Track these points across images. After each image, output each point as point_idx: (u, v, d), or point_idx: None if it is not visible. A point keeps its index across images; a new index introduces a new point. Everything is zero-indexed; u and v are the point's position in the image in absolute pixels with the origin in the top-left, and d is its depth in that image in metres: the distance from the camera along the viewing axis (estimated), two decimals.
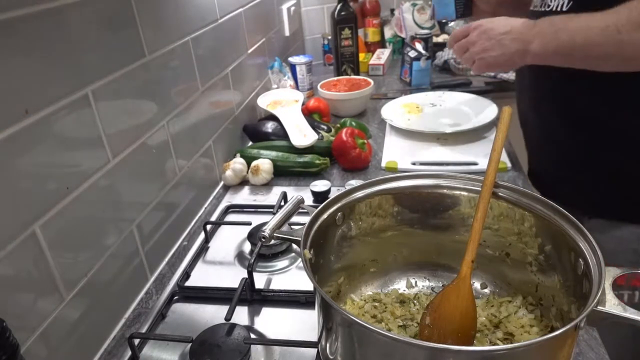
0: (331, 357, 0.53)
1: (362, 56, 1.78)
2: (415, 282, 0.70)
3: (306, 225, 0.58)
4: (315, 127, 1.20)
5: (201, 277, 0.81)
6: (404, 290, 0.69)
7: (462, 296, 0.55)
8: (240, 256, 0.86)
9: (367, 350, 0.47)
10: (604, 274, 0.46)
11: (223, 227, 0.94)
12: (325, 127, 1.23)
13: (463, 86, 1.61)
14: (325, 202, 0.61)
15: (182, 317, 0.73)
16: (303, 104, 1.32)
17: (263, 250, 0.83)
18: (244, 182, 1.10)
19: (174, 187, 0.89)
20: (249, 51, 1.31)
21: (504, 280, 0.66)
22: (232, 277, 0.77)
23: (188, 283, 0.79)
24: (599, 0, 0.70)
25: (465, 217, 0.65)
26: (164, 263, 0.86)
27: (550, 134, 0.92)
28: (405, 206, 0.67)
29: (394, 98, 1.44)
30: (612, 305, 0.44)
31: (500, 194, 0.61)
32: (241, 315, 0.72)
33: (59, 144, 0.60)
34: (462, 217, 0.66)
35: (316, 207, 0.61)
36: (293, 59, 1.58)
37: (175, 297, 0.77)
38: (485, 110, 1.25)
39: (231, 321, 0.67)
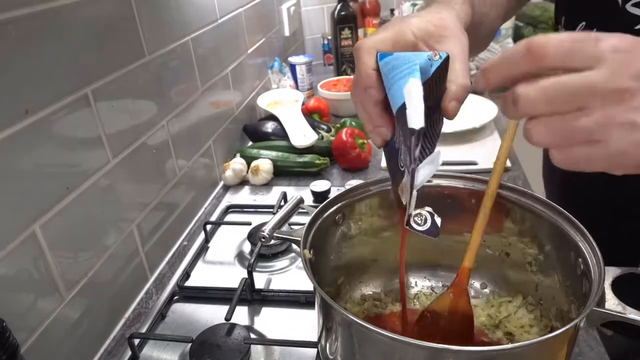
0: (331, 357, 0.53)
1: None
2: (415, 282, 0.70)
3: (306, 225, 0.57)
4: (315, 127, 1.20)
5: (201, 277, 0.81)
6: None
7: (460, 305, 0.55)
8: (240, 256, 0.86)
9: (367, 350, 0.47)
10: (603, 274, 0.46)
11: (223, 227, 0.94)
12: (325, 127, 1.23)
13: None
14: (325, 202, 0.61)
15: (182, 317, 0.73)
16: (303, 104, 1.32)
17: (263, 250, 0.83)
18: (244, 182, 1.10)
19: (174, 187, 0.89)
20: (249, 51, 1.31)
21: (504, 280, 0.66)
22: (232, 277, 0.77)
23: (188, 283, 0.79)
24: None
25: (465, 217, 0.65)
26: (164, 263, 0.86)
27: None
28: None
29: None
30: (612, 305, 0.44)
31: (500, 193, 0.61)
32: (241, 315, 0.72)
33: (59, 144, 0.60)
34: (462, 217, 0.66)
35: (316, 207, 0.60)
36: (293, 59, 1.58)
37: (175, 297, 0.77)
38: (485, 110, 1.25)
39: (231, 321, 0.67)
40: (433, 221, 0.47)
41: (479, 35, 0.62)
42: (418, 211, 0.46)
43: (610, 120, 0.32)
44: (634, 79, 0.31)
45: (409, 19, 0.48)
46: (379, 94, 0.45)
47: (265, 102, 1.33)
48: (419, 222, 0.47)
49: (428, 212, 0.47)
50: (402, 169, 0.45)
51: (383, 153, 0.51)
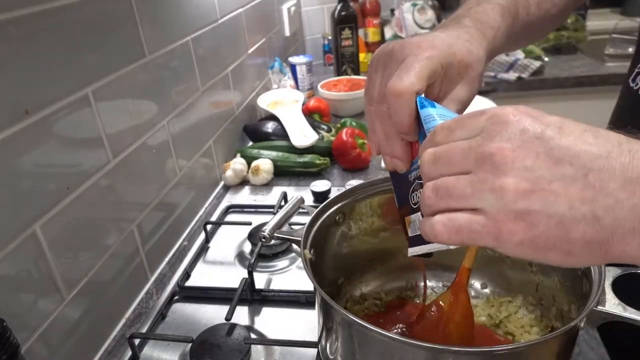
0: (331, 357, 0.53)
1: (362, 56, 1.78)
2: (416, 282, 0.70)
3: (306, 225, 0.58)
4: (315, 127, 1.20)
5: (201, 277, 0.81)
6: (404, 290, 0.69)
7: (460, 306, 0.55)
8: (240, 256, 0.86)
9: (367, 350, 0.47)
10: (603, 274, 0.46)
11: (223, 227, 0.94)
12: (325, 127, 1.23)
13: None
14: (326, 202, 0.61)
15: (182, 317, 0.73)
16: (303, 104, 1.32)
17: (263, 250, 0.83)
18: (244, 182, 1.10)
19: (174, 187, 0.89)
20: (249, 51, 1.31)
21: (504, 280, 0.66)
22: (232, 277, 0.77)
23: (188, 283, 0.79)
24: None
25: None
26: (164, 263, 0.86)
27: None
28: None
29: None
30: (612, 305, 0.44)
31: None
32: (241, 315, 0.72)
33: (59, 144, 0.60)
34: None
35: (316, 207, 0.61)
36: (293, 59, 1.59)
37: (176, 297, 0.77)
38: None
39: (231, 321, 0.67)
40: None
41: (529, 36, 0.61)
42: None
43: (482, 184, 0.31)
44: (506, 141, 0.31)
45: (442, 44, 0.45)
46: (413, 138, 0.44)
47: (265, 102, 1.33)
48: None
49: None
50: (415, 206, 0.44)
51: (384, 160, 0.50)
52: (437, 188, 0.34)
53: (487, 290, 0.67)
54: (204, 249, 0.89)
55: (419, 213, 0.42)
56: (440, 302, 0.56)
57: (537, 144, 0.30)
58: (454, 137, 0.34)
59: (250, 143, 1.26)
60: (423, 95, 0.43)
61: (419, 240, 0.43)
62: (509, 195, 0.30)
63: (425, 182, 0.35)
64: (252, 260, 0.76)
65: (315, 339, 0.59)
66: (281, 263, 0.83)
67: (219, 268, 0.84)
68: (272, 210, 0.96)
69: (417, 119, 0.42)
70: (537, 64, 1.72)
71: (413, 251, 0.45)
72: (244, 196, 1.06)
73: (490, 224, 0.31)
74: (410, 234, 0.45)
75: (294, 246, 0.85)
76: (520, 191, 0.30)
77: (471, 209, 0.32)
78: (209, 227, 0.91)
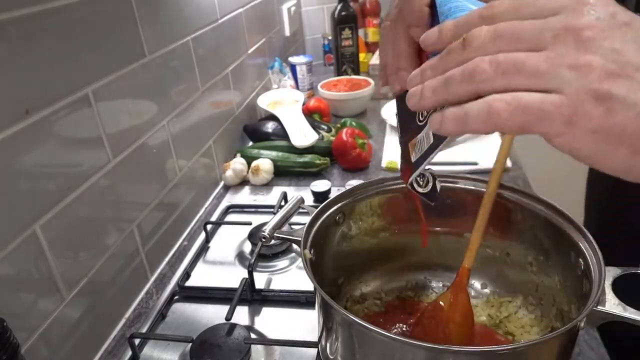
0: (331, 357, 0.53)
1: (362, 56, 1.78)
2: (416, 282, 0.70)
3: (306, 225, 0.58)
4: (315, 127, 1.20)
5: (201, 277, 0.81)
6: (404, 290, 0.69)
7: (460, 306, 0.55)
8: (240, 256, 0.86)
9: (367, 350, 0.47)
10: (604, 274, 0.46)
11: (223, 227, 0.94)
12: (325, 127, 1.23)
13: None
14: (326, 202, 0.61)
15: (182, 317, 0.73)
16: (303, 104, 1.32)
17: (263, 250, 0.83)
18: (244, 182, 1.10)
19: (174, 187, 0.89)
20: (249, 51, 1.31)
21: (504, 280, 0.66)
22: (232, 277, 0.77)
23: (188, 283, 0.79)
24: None
25: (465, 217, 0.65)
26: (164, 263, 0.86)
27: None
28: (405, 206, 0.67)
29: (394, 98, 1.44)
30: (612, 305, 0.44)
31: (500, 194, 0.61)
32: (241, 315, 0.72)
33: (59, 144, 0.60)
34: (462, 217, 0.66)
35: (316, 207, 0.61)
36: (293, 59, 1.59)
37: (176, 297, 0.77)
38: None
39: (231, 321, 0.67)
40: (434, 185, 0.44)
41: None
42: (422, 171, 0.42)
43: (561, 60, 0.28)
44: (595, 20, 0.28)
45: None
46: (421, 31, 0.38)
47: (265, 102, 1.33)
48: (421, 183, 0.44)
49: (431, 174, 0.44)
50: (422, 123, 0.40)
51: (395, 103, 0.46)
52: (497, 62, 0.29)
53: (487, 290, 0.67)
54: (204, 249, 0.89)
55: (428, 126, 0.39)
56: (440, 302, 0.56)
57: (625, 30, 0.28)
58: (522, 13, 0.30)
59: (250, 143, 1.25)
60: None
61: (425, 156, 0.40)
62: (595, 73, 0.27)
63: (474, 58, 0.30)
64: (252, 260, 0.76)
65: (315, 339, 0.59)
66: (281, 263, 0.83)
67: (219, 268, 0.84)
68: (272, 210, 0.96)
69: (431, 12, 0.38)
70: None
71: (416, 174, 0.41)
72: (244, 196, 1.06)
73: (566, 104, 0.28)
74: (414, 159, 0.42)
75: (294, 246, 0.85)
76: (607, 71, 0.27)
77: (541, 90, 0.29)
78: (209, 227, 0.91)
